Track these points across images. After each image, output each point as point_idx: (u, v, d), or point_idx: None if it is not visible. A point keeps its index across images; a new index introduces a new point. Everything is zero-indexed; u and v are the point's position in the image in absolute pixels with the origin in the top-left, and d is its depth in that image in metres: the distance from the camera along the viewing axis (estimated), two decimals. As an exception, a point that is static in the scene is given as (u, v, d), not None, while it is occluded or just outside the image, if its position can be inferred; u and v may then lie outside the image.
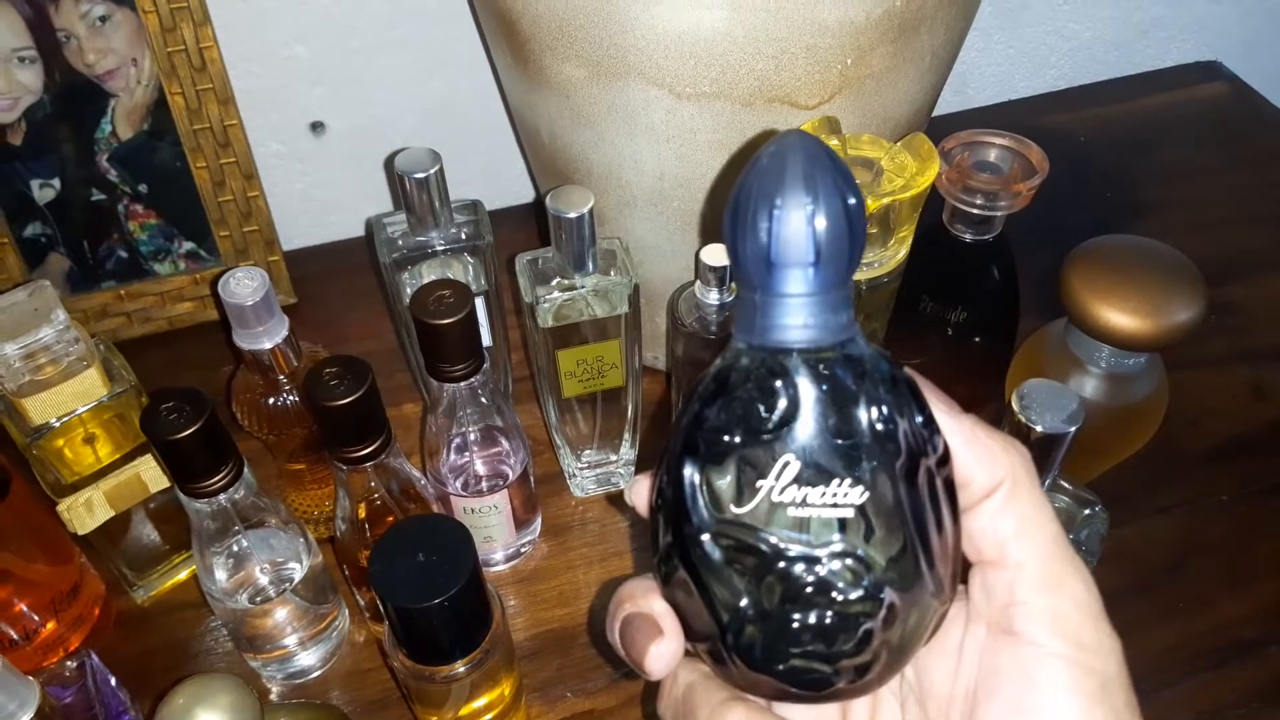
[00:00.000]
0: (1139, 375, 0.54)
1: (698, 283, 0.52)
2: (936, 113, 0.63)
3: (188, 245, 0.73)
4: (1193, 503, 0.64)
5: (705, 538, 0.24)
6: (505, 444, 0.56)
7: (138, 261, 0.73)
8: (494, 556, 0.60)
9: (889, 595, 0.24)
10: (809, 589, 0.24)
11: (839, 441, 0.24)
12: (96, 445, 0.52)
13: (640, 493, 0.28)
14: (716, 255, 0.51)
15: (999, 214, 0.55)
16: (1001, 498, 0.26)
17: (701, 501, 0.24)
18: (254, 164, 0.71)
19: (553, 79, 0.52)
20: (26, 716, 0.44)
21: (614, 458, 0.63)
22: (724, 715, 0.26)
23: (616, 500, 0.65)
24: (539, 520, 0.62)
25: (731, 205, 0.24)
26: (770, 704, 0.28)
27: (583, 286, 0.53)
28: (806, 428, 0.24)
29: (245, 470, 0.48)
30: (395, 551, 0.42)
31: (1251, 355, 0.73)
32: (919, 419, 0.24)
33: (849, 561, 0.24)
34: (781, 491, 0.24)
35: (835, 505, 0.24)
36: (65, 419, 0.50)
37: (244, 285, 0.51)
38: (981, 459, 0.25)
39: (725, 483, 0.24)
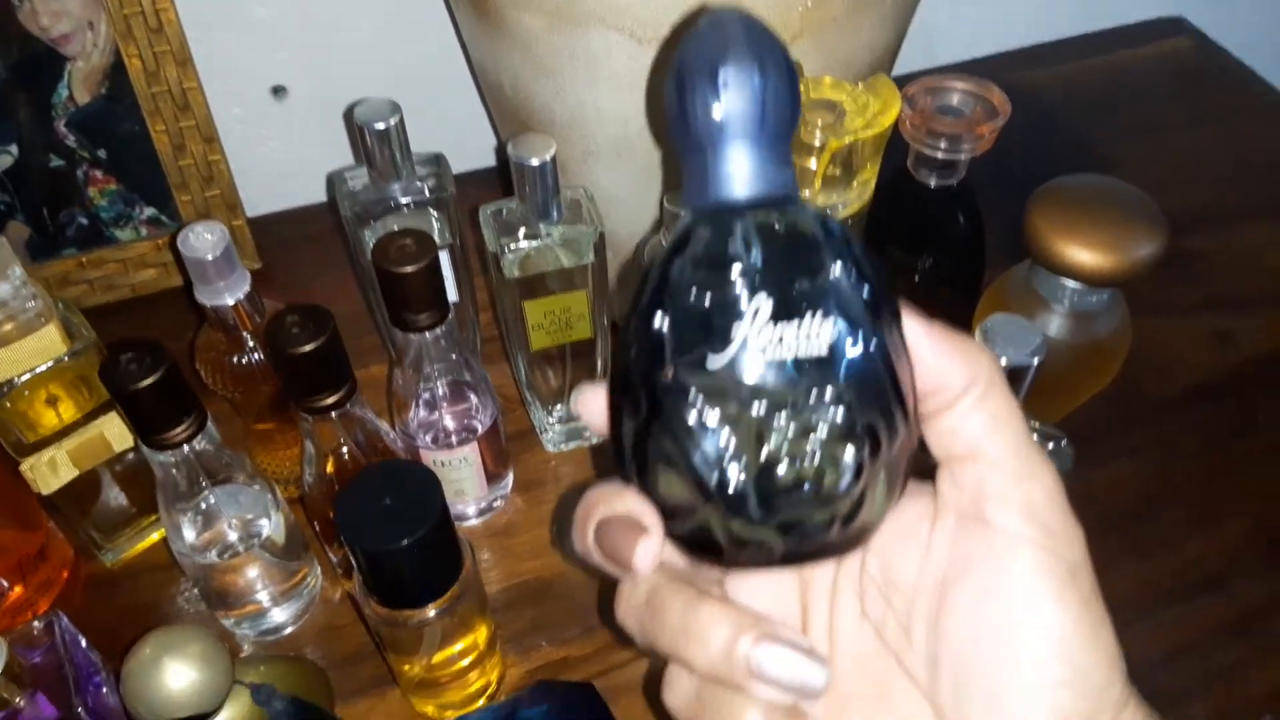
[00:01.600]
0: (1102, 312, 0.54)
1: (663, 230, 0.52)
2: (903, 71, 0.63)
3: (149, 211, 0.72)
4: (1159, 445, 0.64)
5: (682, 397, 0.24)
6: (474, 398, 0.56)
7: (99, 228, 0.72)
8: (466, 510, 0.60)
9: (869, 427, 0.24)
10: (796, 428, 0.24)
11: (805, 282, 0.24)
12: (59, 405, 0.52)
13: (589, 402, 0.27)
14: (679, 201, 0.51)
15: (962, 157, 0.55)
16: (974, 398, 0.26)
17: (675, 361, 0.24)
18: (214, 127, 0.70)
19: (513, 29, 0.52)
20: (-7, 675, 0.44)
21: (585, 413, 0.63)
22: (697, 611, 0.26)
23: (588, 455, 0.65)
24: (510, 475, 0.62)
25: (676, 74, 0.25)
26: (737, 597, 0.28)
27: (548, 236, 0.53)
28: (772, 272, 0.24)
29: (208, 422, 0.47)
30: (362, 496, 0.42)
31: (1215, 304, 0.74)
32: (872, 271, 0.25)
33: (829, 395, 0.24)
34: (758, 334, 0.24)
35: (810, 339, 0.24)
36: (25, 377, 0.50)
37: (203, 239, 0.50)
38: (955, 363, 0.26)
39: (697, 338, 0.24)
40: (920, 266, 0.60)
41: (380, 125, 0.52)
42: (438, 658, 0.50)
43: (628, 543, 0.26)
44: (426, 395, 0.55)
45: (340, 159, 0.80)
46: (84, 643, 0.50)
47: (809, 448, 0.24)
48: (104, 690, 0.50)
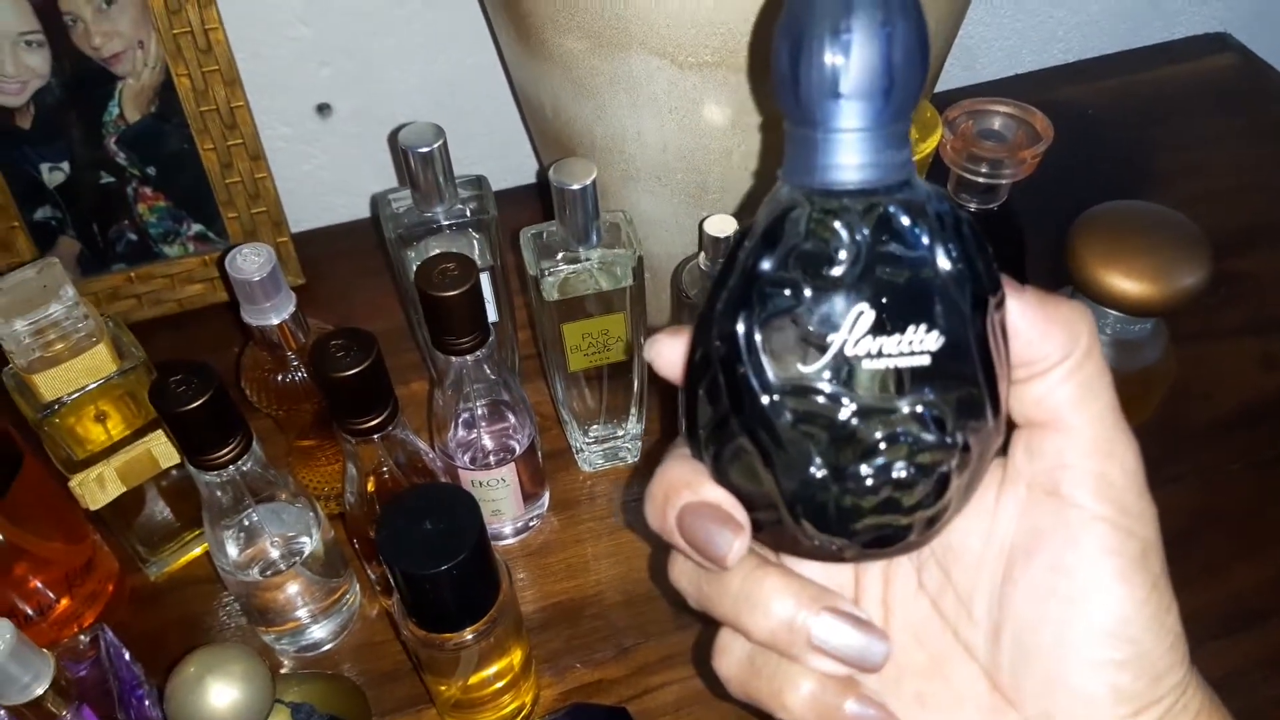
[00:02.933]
0: (1145, 341, 0.54)
1: (701, 255, 0.52)
2: (944, 87, 0.63)
3: (196, 227, 0.74)
4: (1204, 472, 0.63)
5: (771, 401, 0.23)
6: (512, 418, 0.57)
7: (147, 244, 0.73)
8: (503, 530, 0.61)
9: (962, 438, 0.23)
10: (886, 443, 0.23)
11: (911, 286, 0.22)
12: (107, 422, 0.53)
13: (663, 352, 0.26)
14: (719, 226, 0.51)
15: (1004, 182, 0.55)
16: (1069, 367, 0.25)
17: (765, 362, 0.23)
18: (261, 145, 0.71)
19: (554, 52, 0.53)
20: (41, 688, 0.44)
21: (620, 432, 0.63)
22: (759, 580, 0.26)
23: (624, 475, 0.65)
24: (547, 495, 0.63)
25: (787, 33, 0.22)
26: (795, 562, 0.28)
27: (587, 259, 0.53)
28: (877, 274, 0.22)
29: (253, 442, 0.48)
30: (402, 519, 0.43)
31: (1262, 326, 0.73)
32: (981, 258, 0.23)
33: (924, 409, 0.23)
34: (855, 344, 0.22)
35: (912, 353, 0.22)
36: (76, 395, 0.51)
37: (250, 261, 0.51)
38: (1056, 330, 0.25)
39: (790, 340, 0.23)
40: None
41: (424, 149, 0.53)
42: (474, 679, 0.50)
43: (719, 538, 0.25)
44: (466, 415, 0.56)
45: (383, 175, 0.81)
46: (128, 656, 0.51)
47: (898, 462, 0.23)
48: (146, 703, 0.51)
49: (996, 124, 0.55)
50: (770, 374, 0.23)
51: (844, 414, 0.23)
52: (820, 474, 0.23)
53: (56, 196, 0.70)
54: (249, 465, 0.48)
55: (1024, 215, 0.58)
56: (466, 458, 0.57)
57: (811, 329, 0.22)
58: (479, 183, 0.58)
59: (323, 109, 0.77)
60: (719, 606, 0.27)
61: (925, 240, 0.22)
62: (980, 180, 0.55)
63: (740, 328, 0.23)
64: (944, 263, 0.22)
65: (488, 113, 0.80)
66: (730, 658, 0.28)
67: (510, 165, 0.83)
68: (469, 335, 0.50)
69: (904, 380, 0.23)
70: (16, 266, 0.69)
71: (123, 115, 0.69)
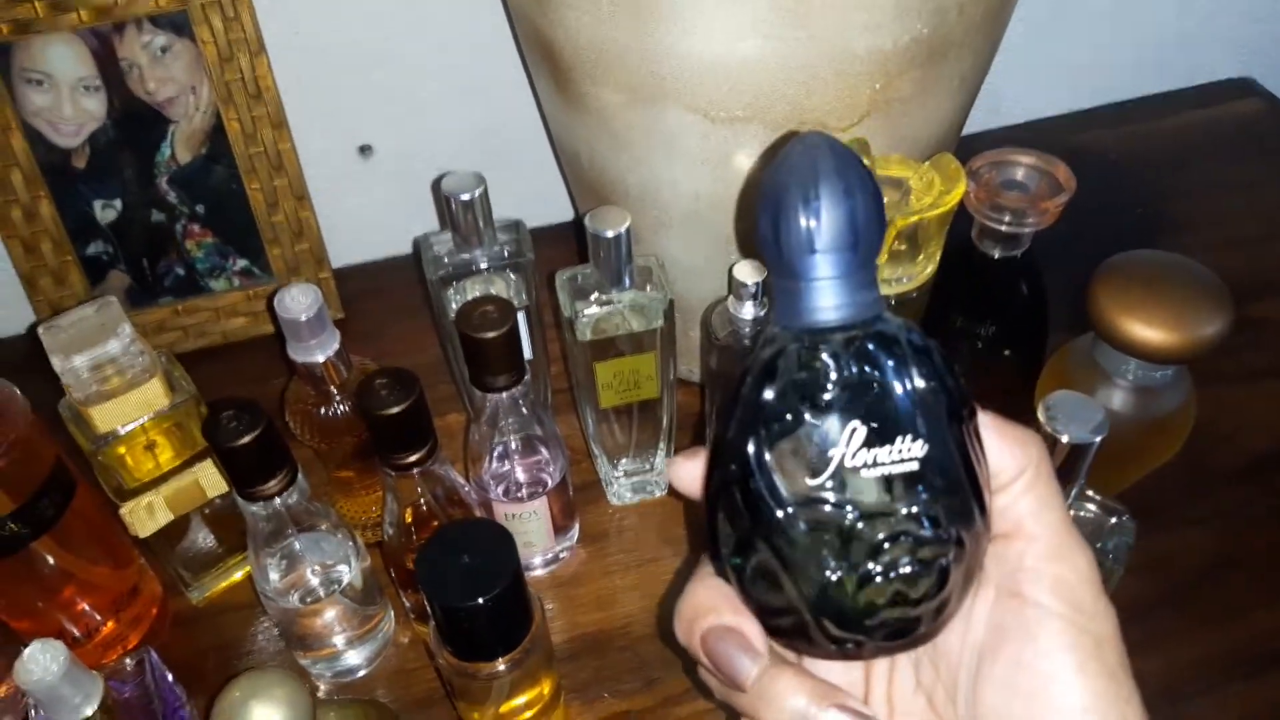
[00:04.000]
0: (1166, 388, 0.55)
1: (731, 298, 0.54)
2: (969, 131, 0.64)
3: (242, 263, 0.76)
4: (1226, 515, 0.64)
5: (786, 514, 0.26)
6: (545, 452, 0.58)
7: (194, 279, 0.76)
8: (533, 561, 0.62)
9: (955, 532, 0.26)
10: (890, 542, 0.26)
11: (893, 403, 0.26)
12: (157, 452, 0.55)
13: (680, 473, 0.30)
14: (749, 272, 0.52)
15: (1026, 231, 0.56)
16: (1025, 482, 0.28)
17: (777, 480, 0.26)
18: (305, 185, 0.74)
19: (592, 105, 0.55)
20: (90, 709, 0.46)
21: (649, 466, 0.65)
22: (775, 678, 0.28)
23: (652, 508, 0.66)
24: (577, 527, 0.64)
25: (769, 201, 0.26)
26: (809, 666, 0.30)
27: (620, 302, 0.55)
28: (863, 395, 0.25)
29: (299, 475, 0.50)
30: (441, 553, 0.45)
31: (1282, 371, 0.73)
32: (950, 378, 0.26)
33: (920, 509, 0.26)
34: (853, 456, 0.25)
35: (902, 460, 0.25)
36: (129, 427, 0.53)
37: (298, 301, 0.53)
38: (1009, 450, 0.28)
39: (796, 459, 0.26)
40: (983, 334, 0.61)
41: (465, 196, 0.55)
42: (505, 708, 0.51)
43: (738, 662, 0.28)
44: (500, 449, 0.58)
45: (422, 214, 0.84)
46: (170, 678, 0.53)
47: (902, 558, 0.26)
48: (190, 721, 0.53)
49: (1019, 174, 0.57)
50: (781, 489, 0.26)
51: (849, 519, 0.26)
52: (835, 575, 0.26)
53: (108, 232, 0.73)
54: (294, 498, 0.50)
55: (1047, 262, 0.59)
56: (500, 490, 0.59)
57: (813, 447, 0.26)
58: (516, 227, 0.60)
59: (364, 150, 0.80)
60: (739, 702, 0.29)
61: (900, 365, 0.26)
62: (1003, 229, 0.56)
63: (751, 450, 0.26)
64: (919, 382, 0.26)
65: (524, 156, 0.82)
66: None
67: (545, 205, 0.85)
68: (506, 374, 0.52)
69: (898, 485, 0.26)
70: (69, 299, 0.73)
71: (174, 156, 0.71)
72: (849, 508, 0.26)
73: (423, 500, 0.53)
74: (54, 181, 0.70)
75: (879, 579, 0.26)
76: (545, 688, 0.52)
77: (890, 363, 0.26)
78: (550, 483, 0.59)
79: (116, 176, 0.71)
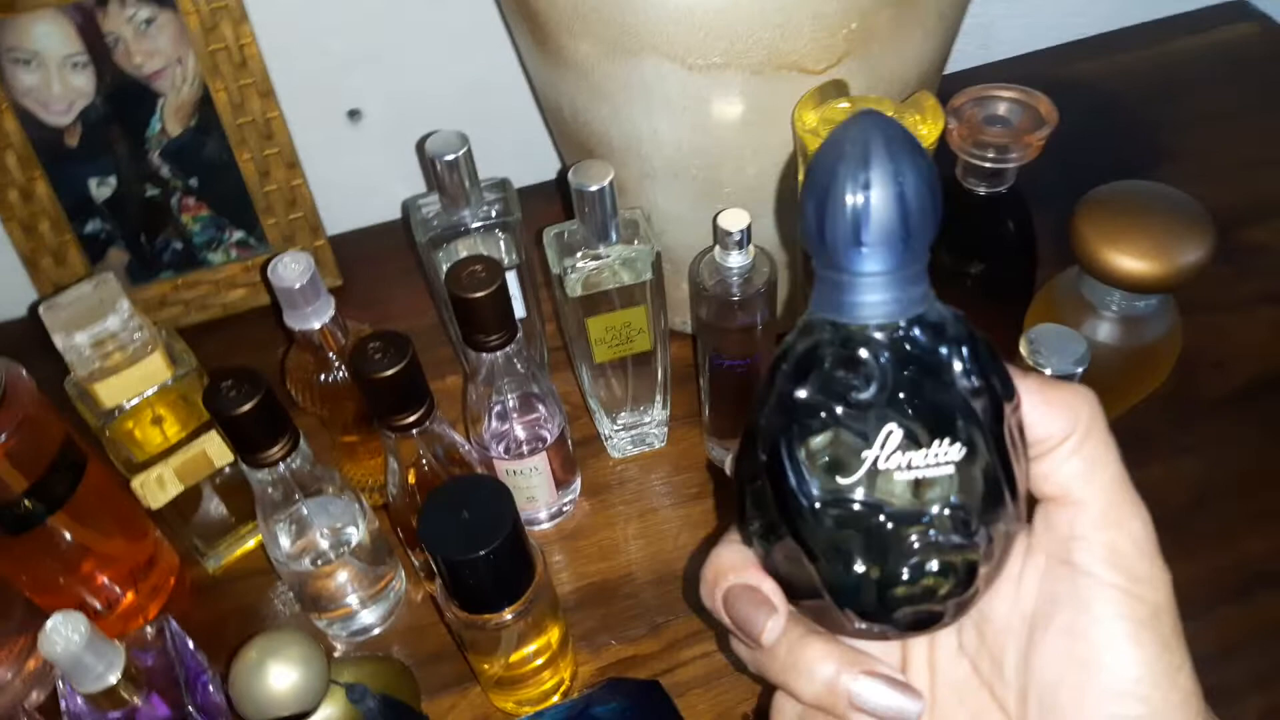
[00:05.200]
0: (1151, 317, 0.55)
1: (717, 247, 0.55)
2: (960, 67, 0.64)
3: (238, 234, 0.77)
4: (1214, 441, 0.65)
5: (814, 510, 0.25)
6: (542, 409, 0.59)
7: (192, 252, 0.77)
8: (538, 516, 0.64)
9: (986, 534, 0.26)
10: (919, 544, 0.25)
11: (933, 405, 0.25)
12: (164, 425, 0.56)
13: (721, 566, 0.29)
14: (733, 220, 0.53)
15: (1010, 166, 0.57)
16: (1072, 445, 0.27)
17: (807, 476, 0.25)
18: (296, 153, 0.74)
19: (570, 57, 0.55)
20: (114, 677, 0.48)
21: (647, 419, 0.66)
22: (804, 648, 0.28)
23: (651, 459, 0.68)
24: (579, 481, 0.65)
25: (814, 189, 0.24)
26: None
27: (608, 256, 0.56)
28: (902, 396, 0.25)
29: (301, 441, 0.51)
30: (442, 509, 0.46)
31: (1276, 297, 0.73)
32: (997, 372, 0.26)
33: (951, 512, 0.25)
34: (887, 459, 0.25)
35: (938, 465, 0.25)
36: (134, 402, 0.54)
37: (291, 269, 0.54)
38: (1055, 413, 0.27)
39: (829, 457, 0.25)
40: (972, 272, 0.62)
41: (450, 156, 0.55)
42: (514, 657, 0.53)
43: (758, 618, 0.28)
44: (498, 408, 0.59)
45: (414, 175, 0.84)
46: (191, 645, 0.55)
47: (930, 561, 0.26)
48: (211, 689, 0.54)
49: (1002, 109, 0.57)
50: (812, 486, 0.25)
51: (880, 520, 0.25)
52: (860, 571, 0.26)
53: (104, 210, 0.74)
54: (298, 463, 0.51)
55: (1034, 198, 0.60)
56: (500, 448, 0.60)
57: (845, 447, 0.25)
58: (503, 185, 0.60)
59: (353, 114, 0.80)
60: (770, 671, 0.30)
61: (943, 363, 0.25)
62: (987, 165, 0.56)
63: (783, 445, 0.25)
64: (962, 381, 0.25)
65: (511, 113, 0.82)
66: (784, 718, 0.31)
67: (534, 163, 0.86)
68: (498, 333, 0.53)
69: (932, 488, 0.25)
70: (69, 278, 0.74)
71: (165, 130, 0.72)
72: (879, 508, 0.25)
73: (424, 460, 0.54)
74: (48, 161, 0.70)
75: (906, 578, 0.26)
76: (553, 636, 0.54)
77: (932, 364, 0.25)
78: (549, 438, 0.60)
79: (109, 153, 0.72)
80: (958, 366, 0.25)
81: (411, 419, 0.51)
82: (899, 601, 0.26)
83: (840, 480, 0.25)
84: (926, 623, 0.27)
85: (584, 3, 0.51)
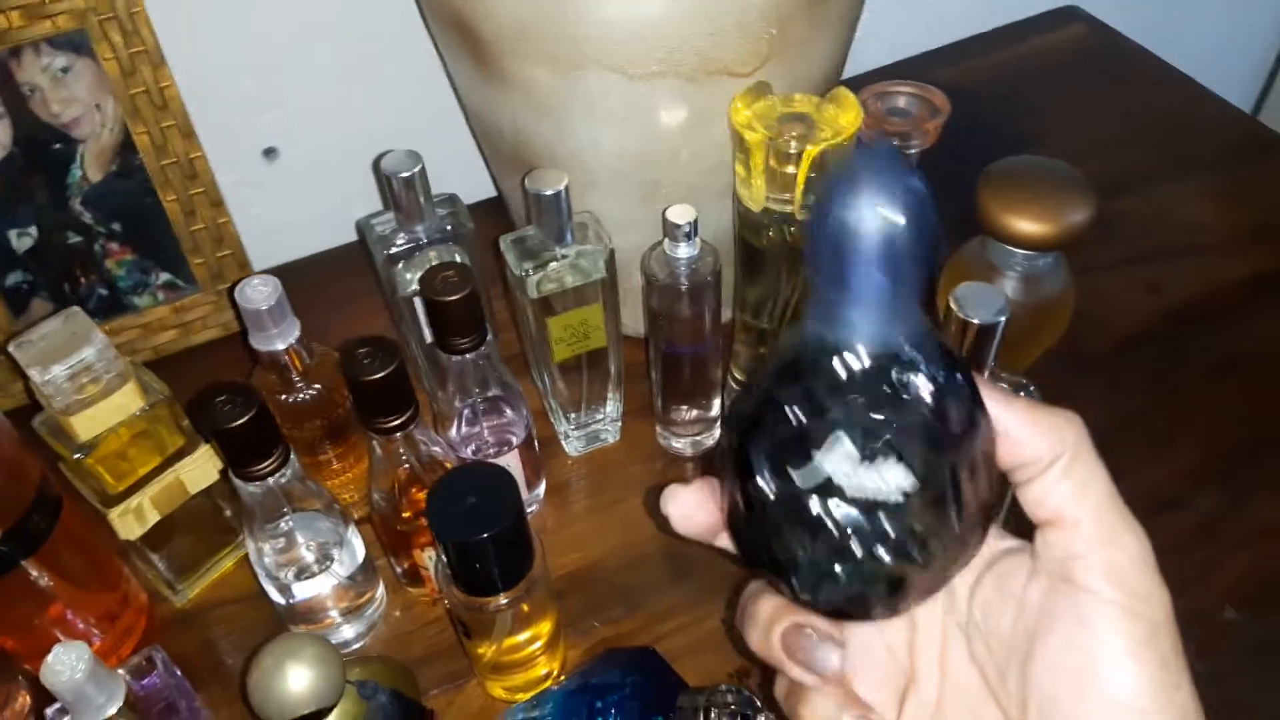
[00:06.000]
0: (1048, 274, 0.62)
1: (666, 240, 0.59)
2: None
3: (164, 276, 0.77)
4: (1107, 388, 0.73)
5: (771, 502, 0.28)
6: (510, 412, 0.62)
7: (118, 297, 0.76)
8: (508, 515, 0.66)
9: (926, 552, 0.27)
10: (856, 548, 0.27)
11: (894, 432, 0.26)
12: (139, 454, 0.56)
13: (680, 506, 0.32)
14: (681, 214, 0.57)
15: (913, 152, 0.63)
16: (1061, 467, 0.28)
17: (765, 470, 0.28)
18: (220, 191, 0.75)
19: (513, 78, 0.58)
20: (114, 708, 0.48)
21: (600, 416, 0.69)
22: (755, 602, 0.32)
23: (605, 453, 0.71)
24: (544, 482, 0.68)
25: (817, 208, 0.26)
26: (854, 639, 0.32)
27: (564, 257, 0.59)
28: (862, 412, 0.26)
29: (291, 455, 0.53)
30: (449, 494, 0.48)
31: (1141, 258, 0.83)
32: (965, 399, 0.27)
33: (891, 524, 0.27)
34: (835, 467, 0.27)
35: (883, 482, 0.26)
36: (109, 432, 0.54)
37: (259, 291, 0.56)
38: (1042, 437, 0.28)
39: (787, 455, 0.27)
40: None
41: (405, 174, 0.58)
42: (507, 642, 0.55)
43: (820, 654, 0.30)
44: (467, 411, 0.61)
45: (338, 205, 0.85)
46: (179, 671, 0.55)
47: (866, 567, 0.28)
48: (203, 715, 0.55)
49: (901, 102, 0.64)
50: (769, 479, 0.28)
51: (820, 520, 0.27)
52: (805, 563, 0.28)
53: (26, 261, 0.73)
54: (288, 476, 0.53)
55: (931, 180, 0.66)
56: (469, 450, 0.62)
57: (803, 449, 0.27)
58: (453, 200, 0.63)
59: (269, 152, 0.82)
60: (740, 623, 0.33)
61: (914, 394, 0.26)
62: (893, 152, 0.63)
63: (751, 437, 0.28)
64: (928, 413, 0.26)
65: (433, 134, 0.85)
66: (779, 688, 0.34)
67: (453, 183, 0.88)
68: (471, 335, 0.55)
69: (875, 503, 0.27)
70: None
71: (85, 176, 0.72)
72: (820, 509, 0.27)
73: (407, 463, 0.56)
74: (-34, 214, 0.69)
75: (841, 576, 0.28)
76: (546, 626, 0.57)
77: (904, 391, 0.26)
78: (516, 440, 0.62)
79: (29, 203, 0.71)
80: (928, 398, 0.26)
81: (399, 421, 0.53)
82: (829, 595, 0.28)
83: (798, 484, 0.27)
84: (853, 617, 0.30)
85: (528, 23, 0.55)
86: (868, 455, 0.26)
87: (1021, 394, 0.59)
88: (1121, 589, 0.28)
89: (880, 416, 0.26)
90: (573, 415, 0.69)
